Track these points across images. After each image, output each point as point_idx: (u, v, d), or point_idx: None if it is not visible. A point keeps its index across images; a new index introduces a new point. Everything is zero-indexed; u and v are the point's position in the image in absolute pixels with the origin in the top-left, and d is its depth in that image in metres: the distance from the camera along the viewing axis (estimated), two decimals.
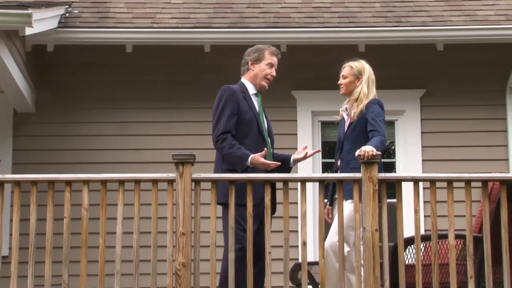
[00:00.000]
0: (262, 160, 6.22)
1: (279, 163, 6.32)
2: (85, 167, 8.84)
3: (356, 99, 6.63)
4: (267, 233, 5.85)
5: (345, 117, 6.75)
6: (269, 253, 5.82)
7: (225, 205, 6.09)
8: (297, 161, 6.66)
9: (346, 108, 6.76)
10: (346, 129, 6.67)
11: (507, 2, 9.77)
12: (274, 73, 6.67)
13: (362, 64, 6.74)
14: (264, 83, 6.62)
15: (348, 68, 6.75)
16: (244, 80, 6.67)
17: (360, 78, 6.68)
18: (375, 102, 6.59)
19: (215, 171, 6.38)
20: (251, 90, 6.60)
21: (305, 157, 6.65)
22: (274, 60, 6.67)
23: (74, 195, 5.95)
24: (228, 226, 5.92)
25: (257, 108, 6.55)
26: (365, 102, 6.58)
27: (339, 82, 6.77)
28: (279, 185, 6.04)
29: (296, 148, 9.35)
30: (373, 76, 6.71)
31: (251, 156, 6.21)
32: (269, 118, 6.75)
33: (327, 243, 6.20)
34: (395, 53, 9.44)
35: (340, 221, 5.89)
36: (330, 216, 6.67)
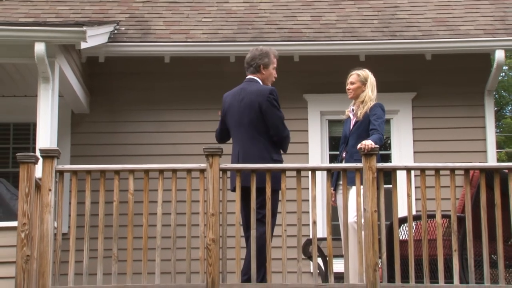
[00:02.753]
0: None
1: None
2: (131, 159, 8.87)
3: (362, 101, 6.61)
4: (283, 214, 5.84)
5: (351, 116, 6.72)
6: (285, 230, 5.81)
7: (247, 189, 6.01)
8: None
9: (352, 109, 6.74)
10: (352, 126, 6.64)
11: (485, 19, 9.72)
12: (276, 75, 6.54)
13: (366, 72, 6.71)
14: (269, 84, 6.47)
15: (356, 75, 6.70)
16: (255, 78, 6.42)
17: (366, 84, 6.65)
18: (378, 105, 6.57)
19: (258, 162, 6.09)
20: None
21: None
22: (276, 62, 6.50)
23: (122, 182, 5.97)
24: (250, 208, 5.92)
25: None
26: (369, 104, 6.56)
27: (347, 87, 6.71)
28: (292, 173, 6.02)
29: (307, 143, 9.40)
30: (375, 82, 6.69)
31: None
32: (284, 117, 6.70)
33: (351, 220, 6.14)
34: (390, 62, 9.39)
35: (345, 202, 5.89)
36: (333, 199, 6.62)
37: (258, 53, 6.46)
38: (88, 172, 6.00)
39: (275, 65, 6.49)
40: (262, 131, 6.23)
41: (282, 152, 6.34)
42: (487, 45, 9.18)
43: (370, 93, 6.61)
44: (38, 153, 6.11)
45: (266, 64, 6.43)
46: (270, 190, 5.83)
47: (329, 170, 6.11)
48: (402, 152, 9.36)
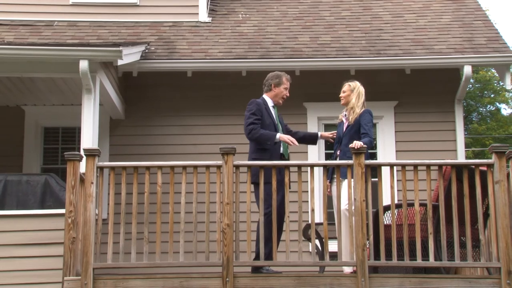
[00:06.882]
0: (287, 137, 6.37)
1: (295, 141, 6.42)
2: (159, 157, 8.86)
3: (352, 108, 6.62)
4: (286, 202, 5.83)
5: (344, 120, 6.73)
6: (288, 216, 5.81)
7: (257, 184, 6.07)
8: (324, 137, 6.91)
9: (345, 115, 6.75)
10: (344, 129, 6.65)
11: (455, 40, 9.68)
12: (288, 94, 6.77)
13: (356, 83, 6.74)
14: (280, 101, 6.75)
15: (347, 86, 6.74)
16: (266, 96, 6.71)
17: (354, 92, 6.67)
18: (367, 111, 6.58)
19: (248, 159, 6.39)
20: (270, 103, 6.67)
21: (327, 138, 6.88)
22: (288, 84, 6.76)
23: (151, 176, 5.97)
24: (259, 199, 5.91)
25: (274, 115, 6.60)
26: (358, 110, 6.57)
27: (340, 95, 6.76)
28: (294, 169, 6.00)
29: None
30: (363, 92, 6.69)
31: (279, 134, 6.37)
32: (286, 122, 6.81)
33: (343, 207, 6.11)
34: (376, 75, 9.36)
35: (338, 193, 5.88)
36: (328, 190, 6.60)
37: (272, 75, 6.80)
38: (124, 168, 6.01)
39: (286, 86, 6.75)
40: None
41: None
42: (457, 62, 9.14)
43: (354, 100, 6.63)
44: (82, 152, 6.11)
45: (277, 84, 6.69)
46: (276, 183, 5.82)
47: (325, 166, 6.10)
48: (386, 151, 9.32)
